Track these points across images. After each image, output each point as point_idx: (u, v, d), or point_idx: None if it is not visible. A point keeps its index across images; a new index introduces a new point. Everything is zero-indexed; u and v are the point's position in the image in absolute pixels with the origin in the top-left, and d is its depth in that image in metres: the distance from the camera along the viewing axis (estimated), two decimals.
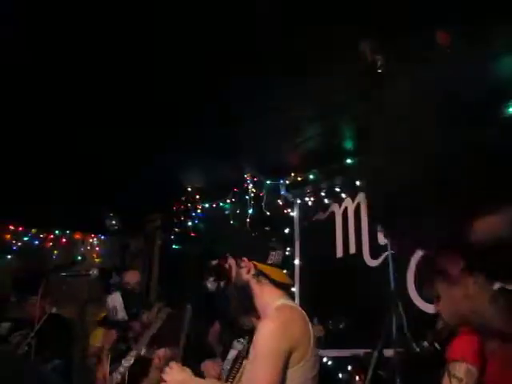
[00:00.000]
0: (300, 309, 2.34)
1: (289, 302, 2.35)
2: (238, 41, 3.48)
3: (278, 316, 2.23)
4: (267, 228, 5.08)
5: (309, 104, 4.09)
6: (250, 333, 2.61)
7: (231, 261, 2.44)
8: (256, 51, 3.59)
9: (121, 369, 3.45)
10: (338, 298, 4.75)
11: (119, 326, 3.78)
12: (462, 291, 2.52)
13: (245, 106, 4.26)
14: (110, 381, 3.48)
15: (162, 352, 3.40)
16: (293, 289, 5.25)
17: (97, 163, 5.11)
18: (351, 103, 4.00)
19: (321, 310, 4.76)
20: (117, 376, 3.43)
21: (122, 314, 3.75)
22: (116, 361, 3.52)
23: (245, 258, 2.40)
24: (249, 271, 2.38)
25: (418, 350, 2.66)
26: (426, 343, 2.65)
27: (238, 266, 2.40)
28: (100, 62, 3.69)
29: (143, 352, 3.49)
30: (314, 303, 4.94)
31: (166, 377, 2.32)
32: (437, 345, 2.59)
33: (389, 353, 2.83)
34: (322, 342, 4.00)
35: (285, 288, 2.42)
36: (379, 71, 3.20)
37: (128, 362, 3.44)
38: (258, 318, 2.37)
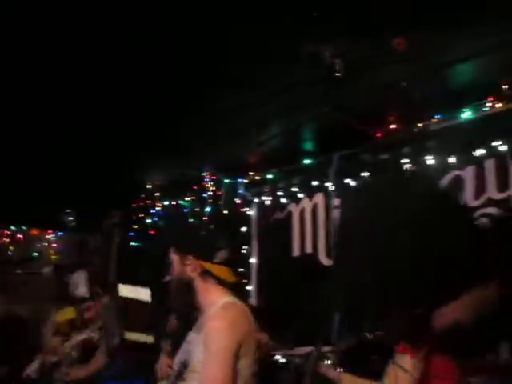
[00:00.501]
0: (245, 306, 2.43)
1: (234, 300, 2.41)
2: (195, 38, 3.51)
3: (225, 314, 2.31)
4: (215, 226, 5.16)
5: (269, 104, 4.16)
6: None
7: (174, 257, 2.46)
8: (215, 48, 3.64)
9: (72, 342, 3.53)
10: (295, 296, 4.83)
11: (79, 302, 3.81)
12: None
13: (206, 104, 4.30)
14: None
15: None
16: (249, 287, 5.32)
17: (55, 159, 5.06)
18: (312, 104, 4.09)
19: (278, 308, 4.85)
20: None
21: (83, 291, 3.77)
22: None
23: (190, 256, 2.44)
24: (194, 269, 2.42)
25: (370, 337, 2.77)
26: (378, 332, 2.76)
27: (183, 264, 2.43)
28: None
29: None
30: (270, 301, 5.03)
31: None
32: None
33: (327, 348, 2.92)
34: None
35: (231, 286, 2.47)
36: (338, 75, 3.30)
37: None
38: (201, 313, 2.43)
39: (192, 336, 2.51)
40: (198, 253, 2.45)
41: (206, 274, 2.42)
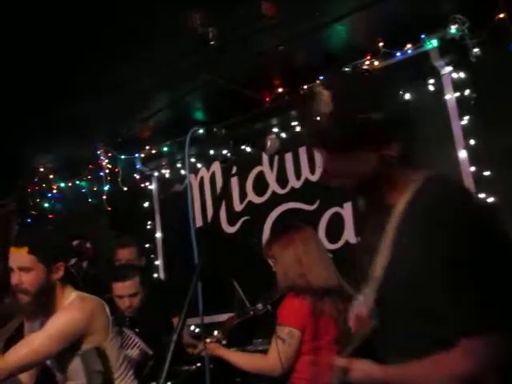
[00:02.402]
0: (96, 298, 2.51)
1: (82, 293, 2.49)
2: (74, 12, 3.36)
3: (80, 304, 2.40)
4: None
5: (152, 77, 4.06)
6: None
7: (38, 266, 2.38)
8: (95, 24, 3.50)
9: None
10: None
11: None
12: (293, 255, 2.70)
13: (91, 80, 4.14)
14: None
15: None
16: (156, 262, 5.29)
17: None
18: (194, 74, 4.03)
19: (185, 280, 4.84)
20: None
21: None
22: None
23: (60, 263, 2.44)
24: (58, 274, 2.42)
25: (251, 313, 2.83)
26: (260, 305, 2.83)
27: (49, 271, 2.40)
28: None
29: None
30: (177, 275, 5.02)
31: None
32: (269, 307, 2.78)
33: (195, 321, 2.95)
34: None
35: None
36: (212, 43, 3.25)
37: None
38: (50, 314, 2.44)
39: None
40: (63, 257, 2.48)
41: (65, 278, 2.45)
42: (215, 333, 2.98)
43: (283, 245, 2.82)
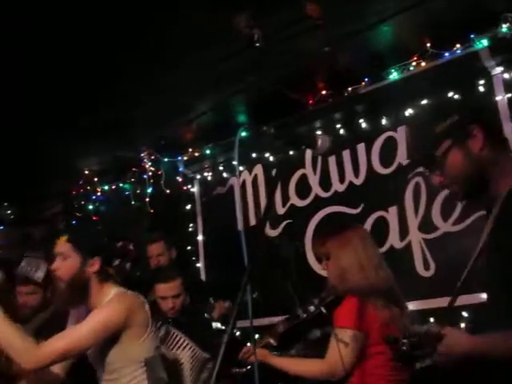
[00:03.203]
0: (136, 294, 2.57)
1: (123, 289, 2.54)
2: (119, 18, 3.40)
3: (120, 298, 2.47)
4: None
5: (197, 80, 4.07)
6: None
7: (74, 255, 2.49)
8: (140, 28, 3.53)
9: None
10: (243, 270, 4.81)
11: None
12: (352, 255, 2.64)
13: (136, 83, 4.19)
14: None
15: None
16: (198, 264, 5.30)
17: None
18: (239, 75, 4.03)
19: (226, 284, 4.84)
20: None
21: (40, 275, 3.66)
22: None
23: (96, 258, 2.51)
24: (93, 268, 2.51)
25: (304, 315, 2.75)
26: (312, 307, 2.75)
27: (85, 263, 2.49)
28: None
29: None
30: (219, 277, 5.02)
31: None
32: (323, 309, 2.70)
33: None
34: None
35: None
36: (257, 45, 3.24)
37: None
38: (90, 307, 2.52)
39: None
40: (101, 255, 2.54)
41: (103, 274, 2.52)
42: (266, 338, 2.88)
43: (341, 243, 2.71)
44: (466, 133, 1.75)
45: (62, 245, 2.50)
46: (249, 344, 2.90)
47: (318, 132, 4.43)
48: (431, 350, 1.68)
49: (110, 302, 2.45)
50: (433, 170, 1.83)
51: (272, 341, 2.82)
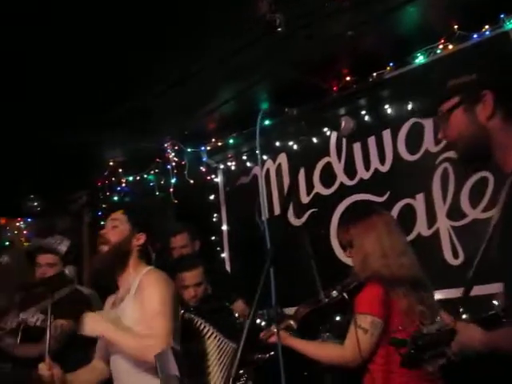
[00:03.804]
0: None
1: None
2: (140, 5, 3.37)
3: (156, 273, 2.63)
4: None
5: (218, 69, 4.03)
6: None
7: (126, 225, 2.66)
8: (161, 18, 3.51)
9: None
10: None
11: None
12: (375, 240, 2.59)
13: (158, 73, 4.17)
14: None
15: None
16: (222, 254, 5.28)
17: (9, 144, 4.90)
18: (261, 63, 3.97)
19: (251, 273, 4.81)
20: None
21: (63, 249, 3.73)
22: None
23: (143, 233, 2.68)
24: (138, 242, 2.68)
25: (326, 300, 2.72)
26: (334, 292, 2.72)
27: (132, 234, 2.67)
28: None
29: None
30: (244, 267, 5.00)
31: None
32: (345, 294, 2.67)
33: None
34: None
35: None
36: (279, 29, 3.18)
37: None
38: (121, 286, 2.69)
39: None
40: (152, 234, 2.75)
41: (144, 250, 2.69)
42: (286, 320, 2.87)
43: (364, 229, 2.68)
44: (477, 96, 1.62)
45: (118, 215, 2.70)
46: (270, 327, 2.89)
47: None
48: (444, 349, 1.57)
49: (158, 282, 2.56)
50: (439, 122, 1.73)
51: (293, 323, 2.81)
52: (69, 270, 2.97)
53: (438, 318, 1.64)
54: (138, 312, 2.49)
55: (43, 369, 2.48)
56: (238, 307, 3.84)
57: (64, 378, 2.53)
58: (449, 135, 1.69)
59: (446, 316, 1.63)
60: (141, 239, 2.68)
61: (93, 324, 2.47)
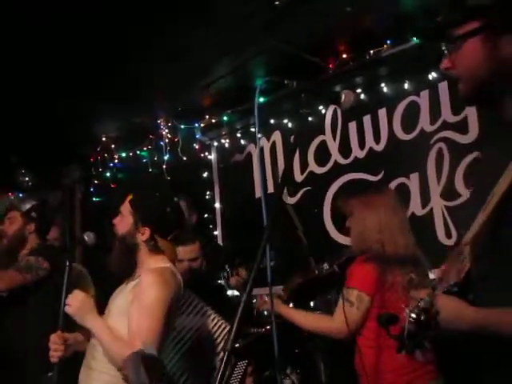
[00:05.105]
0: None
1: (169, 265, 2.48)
2: None
3: (160, 271, 2.39)
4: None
5: (213, 44, 3.97)
6: None
7: (129, 217, 2.47)
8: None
9: None
10: (260, 237, 4.78)
11: None
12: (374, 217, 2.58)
13: (152, 46, 4.11)
14: None
15: None
16: (215, 232, 5.27)
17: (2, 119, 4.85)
18: (256, 38, 3.92)
19: (244, 250, 4.81)
20: None
21: (26, 206, 3.67)
22: None
23: (147, 227, 2.46)
24: (143, 236, 2.47)
25: (316, 272, 2.75)
26: (326, 265, 2.74)
27: (136, 227, 2.46)
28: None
29: None
30: (236, 245, 4.99)
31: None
32: (336, 267, 2.70)
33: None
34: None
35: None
36: (277, 3, 3.13)
37: None
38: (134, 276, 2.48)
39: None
40: (157, 227, 2.48)
41: (152, 243, 2.47)
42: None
43: (365, 204, 2.69)
44: (507, 23, 1.26)
45: (125, 204, 2.52)
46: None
47: None
48: (429, 331, 1.31)
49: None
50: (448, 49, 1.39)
51: (283, 294, 2.83)
52: (88, 236, 2.85)
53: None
54: (128, 304, 2.36)
55: (56, 342, 2.39)
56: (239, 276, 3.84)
57: (78, 340, 2.51)
58: (455, 67, 1.38)
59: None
60: (145, 234, 2.50)
61: (83, 311, 2.34)
